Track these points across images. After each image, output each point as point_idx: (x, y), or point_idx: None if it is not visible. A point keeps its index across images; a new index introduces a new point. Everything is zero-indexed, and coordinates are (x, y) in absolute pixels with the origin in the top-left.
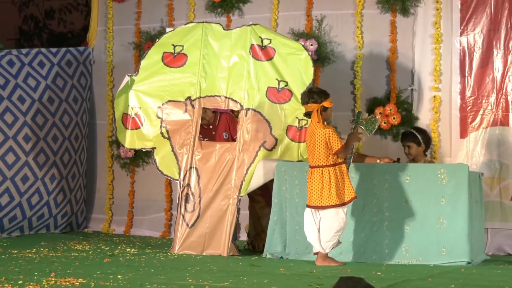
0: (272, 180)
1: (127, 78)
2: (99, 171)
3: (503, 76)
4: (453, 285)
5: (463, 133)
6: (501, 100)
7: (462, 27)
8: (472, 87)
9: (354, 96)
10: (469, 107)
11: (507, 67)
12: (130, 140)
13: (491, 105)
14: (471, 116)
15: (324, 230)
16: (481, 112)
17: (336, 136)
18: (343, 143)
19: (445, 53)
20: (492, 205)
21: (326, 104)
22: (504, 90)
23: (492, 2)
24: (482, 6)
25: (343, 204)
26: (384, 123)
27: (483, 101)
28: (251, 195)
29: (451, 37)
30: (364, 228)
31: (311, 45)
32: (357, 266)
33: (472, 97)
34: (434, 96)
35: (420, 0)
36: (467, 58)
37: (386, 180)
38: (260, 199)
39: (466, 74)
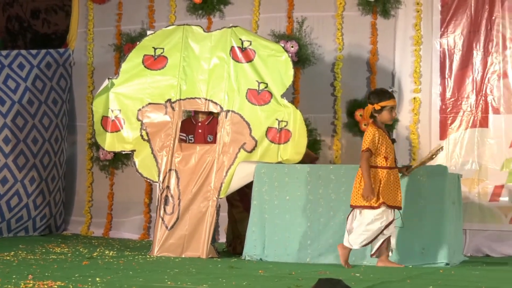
0: (251, 185)
1: (107, 81)
2: (78, 173)
3: (483, 78)
4: (431, 287)
5: (443, 135)
6: (481, 101)
7: (442, 29)
8: (452, 89)
9: (334, 98)
10: (449, 109)
11: (487, 69)
12: (110, 143)
13: (470, 107)
14: (450, 118)
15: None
16: (460, 113)
17: (370, 138)
18: (372, 148)
19: (425, 55)
20: (471, 207)
21: (381, 105)
22: (483, 92)
23: (472, 4)
24: (462, 8)
25: (369, 207)
26: (365, 125)
27: (463, 102)
28: (230, 200)
29: (431, 39)
30: (343, 230)
31: (292, 47)
32: (336, 267)
33: (452, 99)
34: (414, 98)
35: (401, 2)
36: (447, 60)
37: None
38: (239, 204)
39: (446, 76)
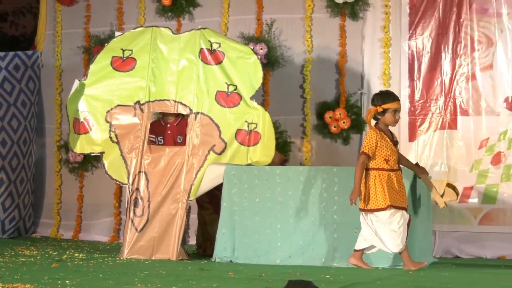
0: (221, 187)
1: (76, 82)
2: (47, 176)
3: (451, 80)
4: None
5: (412, 137)
6: (449, 103)
7: (410, 31)
8: (421, 91)
9: (304, 100)
10: (418, 111)
11: (455, 71)
12: (79, 145)
13: (439, 109)
14: (419, 120)
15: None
16: (429, 115)
17: (367, 141)
18: (368, 151)
19: (394, 57)
20: (440, 208)
21: (383, 107)
22: (452, 94)
23: (441, 7)
24: (430, 10)
25: (367, 210)
26: (334, 127)
27: (432, 104)
28: (200, 202)
29: (400, 41)
30: (312, 231)
31: (261, 49)
32: (306, 269)
33: (421, 101)
34: None
35: (369, 4)
36: (415, 62)
37: (335, 183)
38: (209, 206)
39: (415, 78)
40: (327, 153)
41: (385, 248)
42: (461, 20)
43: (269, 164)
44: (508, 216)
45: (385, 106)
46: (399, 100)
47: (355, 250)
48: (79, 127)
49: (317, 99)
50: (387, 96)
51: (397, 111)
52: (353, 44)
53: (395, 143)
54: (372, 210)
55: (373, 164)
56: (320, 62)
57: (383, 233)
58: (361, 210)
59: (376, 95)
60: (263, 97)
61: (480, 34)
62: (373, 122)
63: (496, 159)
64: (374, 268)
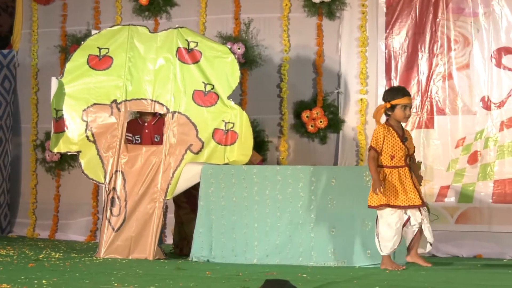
0: (197, 187)
1: (55, 81)
2: (23, 175)
3: (428, 79)
4: (378, 287)
5: None
6: (426, 103)
7: (387, 31)
8: None
9: (281, 99)
10: None
11: (432, 70)
12: (55, 144)
13: (416, 108)
14: None
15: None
16: None
17: (373, 137)
18: (376, 146)
19: (371, 56)
20: None
21: (392, 103)
22: (429, 93)
23: (417, 6)
24: (407, 9)
25: (373, 207)
26: (311, 126)
27: None
28: (177, 202)
29: (377, 40)
30: (289, 230)
31: (239, 48)
32: (283, 268)
33: None
34: (361, 99)
35: (346, 4)
36: (392, 61)
37: (312, 182)
38: (186, 205)
39: (392, 77)
40: (304, 152)
41: (378, 245)
42: (438, 19)
43: (246, 164)
44: (484, 215)
45: (394, 101)
46: (409, 96)
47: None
48: (55, 126)
49: (294, 98)
50: (396, 92)
51: (407, 106)
52: (330, 43)
53: (404, 139)
54: (369, 207)
55: (378, 160)
56: (297, 62)
57: (381, 232)
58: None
59: (386, 91)
60: (240, 96)
61: (456, 33)
62: (384, 118)
63: (473, 158)
64: (431, 265)
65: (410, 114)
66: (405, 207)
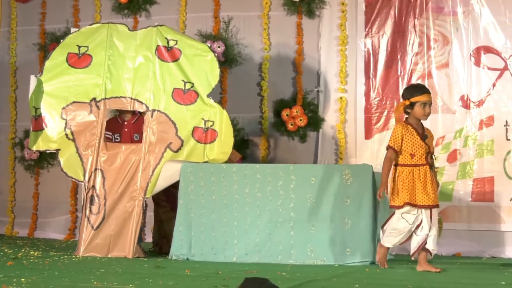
0: (177, 185)
1: (33, 79)
2: (2, 173)
3: (407, 78)
4: (357, 285)
5: (368, 134)
6: None
7: (367, 29)
8: (377, 89)
9: (261, 98)
10: (374, 108)
11: (411, 69)
12: (34, 142)
13: (395, 106)
14: (375, 117)
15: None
16: (385, 113)
17: (392, 136)
18: (394, 145)
19: (351, 55)
20: None
21: (411, 100)
22: None
23: (396, 5)
24: (386, 8)
25: (396, 207)
26: (291, 124)
27: (387, 102)
28: (156, 200)
29: (356, 39)
30: (269, 229)
31: (219, 47)
32: (262, 266)
33: (377, 99)
34: (341, 98)
35: (326, 2)
36: (371, 59)
37: (292, 180)
38: (165, 204)
39: (371, 76)
40: (284, 150)
41: (381, 236)
42: (417, 18)
43: (226, 162)
44: (463, 213)
45: (414, 99)
46: (429, 93)
47: (411, 255)
48: (34, 124)
49: (274, 97)
50: (416, 89)
51: (426, 104)
52: (310, 42)
53: (424, 137)
54: (392, 207)
55: (398, 159)
56: (277, 60)
57: (393, 224)
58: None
59: (405, 88)
60: (220, 94)
61: (436, 32)
62: (404, 116)
63: (452, 157)
64: (440, 270)
65: (429, 112)
66: (424, 207)
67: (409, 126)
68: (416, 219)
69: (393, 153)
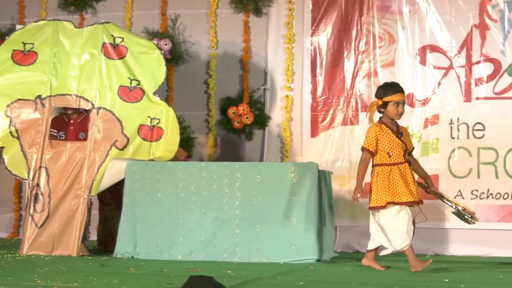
0: (122, 183)
1: None
2: None
3: (353, 76)
4: (302, 282)
5: (314, 132)
6: (351, 99)
7: (313, 28)
8: (323, 87)
9: (208, 96)
10: (320, 107)
11: (357, 67)
12: None
13: (341, 105)
14: (321, 116)
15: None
16: (331, 111)
17: (367, 137)
18: (368, 146)
19: (297, 53)
20: (342, 203)
21: (384, 100)
22: (354, 90)
23: (343, 3)
24: (333, 7)
25: (370, 208)
26: (237, 122)
27: (334, 100)
28: (101, 198)
29: (303, 37)
30: (214, 227)
31: (165, 44)
32: (208, 264)
33: (323, 97)
34: (287, 96)
35: (273, 1)
36: (318, 58)
37: (237, 178)
38: (110, 202)
39: (317, 74)
40: (230, 148)
41: (390, 246)
42: (363, 17)
43: (172, 160)
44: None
45: (387, 98)
46: (402, 92)
47: (368, 251)
48: None
49: (221, 95)
50: (389, 88)
51: (399, 103)
52: (257, 40)
53: (400, 135)
54: (373, 208)
55: (376, 159)
56: (225, 58)
57: (388, 230)
58: (368, 208)
59: (378, 87)
60: (167, 92)
61: (382, 31)
62: (378, 116)
63: None
64: (385, 269)
65: (403, 111)
66: (407, 203)
67: (383, 125)
68: (409, 213)
69: (368, 155)
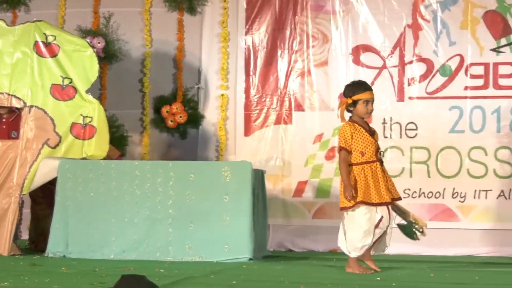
0: (55, 182)
1: None
2: None
3: (287, 75)
4: (234, 281)
5: (248, 131)
6: (285, 98)
7: (247, 26)
8: (257, 86)
9: (142, 94)
10: (254, 106)
11: (290, 67)
12: None
13: (274, 104)
14: (255, 114)
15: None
16: (265, 110)
17: (341, 136)
18: (345, 145)
19: (232, 52)
20: (275, 202)
21: (354, 98)
22: (287, 89)
23: (277, 3)
24: (267, 6)
25: (348, 208)
26: (171, 121)
27: (267, 99)
28: (33, 197)
29: (237, 36)
30: (147, 226)
31: (99, 43)
32: (140, 263)
33: (257, 96)
34: (222, 95)
35: None
36: (252, 57)
37: (171, 177)
38: (42, 200)
39: (251, 73)
40: (164, 147)
41: (345, 248)
42: (297, 16)
43: (105, 158)
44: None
45: (356, 97)
46: (371, 90)
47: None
48: None
49: (155, 93)
50: (357, 87)
51: (369, 101)
52: (191, 38)
53: (372, 133)
54: (342, 209)
55: (354, 159)
56: (159, 57)
57: (349, 232)
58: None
59: (346, 86)
60: (100, 90)
61: (315, 30)
62: (348, 114)
63: (330, 154)
64: (373, 272)
65: (372, 109)
66: (380, 204)
67: (355, 124)
68: (372, 218)
69: (347, 154)
